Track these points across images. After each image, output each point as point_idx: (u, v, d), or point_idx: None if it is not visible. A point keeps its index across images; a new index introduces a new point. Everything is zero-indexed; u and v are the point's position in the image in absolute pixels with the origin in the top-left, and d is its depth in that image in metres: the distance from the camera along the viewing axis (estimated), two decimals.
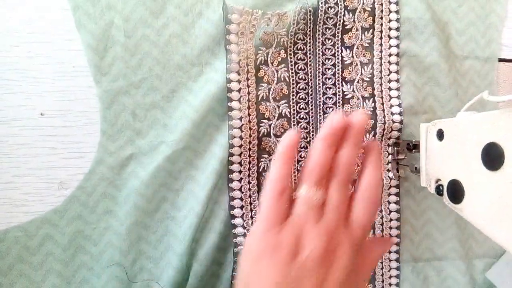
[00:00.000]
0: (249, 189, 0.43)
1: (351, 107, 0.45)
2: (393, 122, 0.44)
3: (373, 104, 0.45)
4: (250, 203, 0.43)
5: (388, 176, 0.45)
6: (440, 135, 0.35)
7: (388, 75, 0.45)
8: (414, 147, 0.41)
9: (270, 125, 0.44)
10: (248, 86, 0.43)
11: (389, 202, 0.45)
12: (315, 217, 0.32)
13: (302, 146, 0.44)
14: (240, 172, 0.43)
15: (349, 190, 0.35)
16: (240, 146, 0.43)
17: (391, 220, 0.46)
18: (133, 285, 0.42)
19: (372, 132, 0.45)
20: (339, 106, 0.45)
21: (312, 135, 0.45)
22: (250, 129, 0.43)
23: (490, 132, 0.28)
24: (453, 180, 0.32)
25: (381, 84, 0.45)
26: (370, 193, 0.34)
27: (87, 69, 0.41)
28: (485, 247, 0.47)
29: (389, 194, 0.45)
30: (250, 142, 0.43)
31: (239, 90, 0.43)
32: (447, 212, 0.46)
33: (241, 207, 0.43)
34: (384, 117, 0.44)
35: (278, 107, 0.44)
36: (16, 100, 0.41)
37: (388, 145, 0.45)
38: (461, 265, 0.47)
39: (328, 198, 0.33)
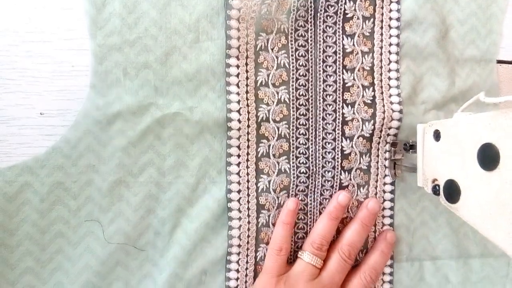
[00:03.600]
0: (247, 174, 0.43)
1: (351, 95, 0.44)
2: (393, 111, 0.44)
3: (372, 93, 0.45)
4: (248, 188, 0.43)
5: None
6: (437, 135, 0.35)
7: (388, 64, 0.45)
8: (411, 147, 0.42)
9: (269, 111, 0.44)
10: (247, 72, 0.43)
11: (384, 200, 0.46)
12: (309, 277, 0.41)
13: (300, 140, 0.44)
14: (238, 156, 0.43)
15: (349, 265, 0.43)
16: (239, 129, 0.43)
17: (384, 216, 0.46)
18: (108, 245, 0.42)
19: (372, 121, 0.44)
20: (339, 93, 0.44)
21: (312, 121, 0.44)
22: (249, 113, 0.43)
23: (486, 133, 0.28)
24: (449, 180, 0.33)
25: (381, 74, 0.45)
26: (370, 274, 0.43)
27: (86, 69, 0.41)
28: (481, 247, 0.47)
29: (384, 191, 0.46)
30: (248, 126, 0.43)
31: (237, 75, 0.42)
32: (442, 213, 0.47)
33: (238, 191, 0.42)
34: (383, 106, 0.44)
35: (277, 92, 0.44)
36: (15, 100, 0.42)
37: (386, 142, 0.45)
38: (455, 265, 0.47)
39: (326, 265, 0.42)
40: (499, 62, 0.48)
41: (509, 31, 0.48)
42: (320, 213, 0.44)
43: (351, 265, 0.42)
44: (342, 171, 0.45)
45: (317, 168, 0.44)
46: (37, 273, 0.41)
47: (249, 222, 0.43)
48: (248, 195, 0.42)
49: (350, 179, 0.45)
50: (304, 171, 0.44)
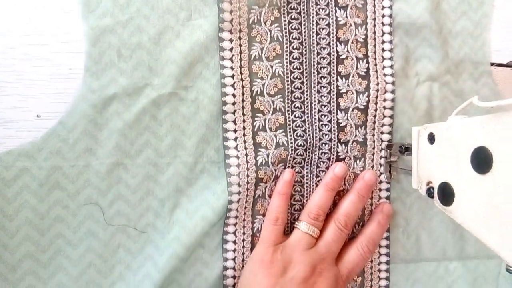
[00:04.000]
0: (245, 148, 0.43)
1: (345, 68, 0.45)
2: (386, 83, 0.45)
3: (366, 65, 0.45)
4: (247, 162, 0.43)
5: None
6: (431, 138, 0.36)
7: (382, 36, 0.45)
8: (406, 149, 0.42)
9: (263, 85, 0.44)
10: (240, 46, 0.43)
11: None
12: (306, 246, 0.41)
13: (296, 113, 0.45)
14: (235, 131, 0.43)
15: (346, 235, 0.43)
16: (233, 103, 0.43)
17: (380, 189, 0.47)
18: (109, 227, 0.42)
19: (366, 93, 0.45)
20: (333, 66, 0.45)
21: (307, 95, 0.45)
22: (243, 87, 0.43)
23: (480, 136, 0.28)
24: (443, 182, 0.33)
25: (374, 45, 0.45)
26: (368, 244, 0.43)
27: (83, 72, 0.41)
28: (476, 248, 0.48)
29: (380, 165, 0.46)
30: (243, 100, 0.43)
31: (231, 49, 0.42)
32: (437, 214, 0.47)
33: (238, 166, 0.42)
34: (377, 78, 0.45)
35: (272, 66, 0.44)
36: (12, 102, 0.41)
37: (383, 116, 0.45)
38: (452, 266, 0.48)
39: (322, 235, 0.42)
40: (493, 65, 0.48)
41: (502, 33, 0.49)
42: (317, 185, 0.45)
43: (347, 235, 0.43)
44: (339, 144, 0.45)
45: (314, 140, 0.44)
46: (37, 258, 0.40)
47: (247, 195, 0.43)
48: (248, 169, 0.42)
49: (347, 152, 0.45)
50: (302, 144, 0.44)
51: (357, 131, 0.45)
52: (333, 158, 0.45)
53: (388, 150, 0.45)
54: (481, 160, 0.28)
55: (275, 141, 0.44)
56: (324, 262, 0.40)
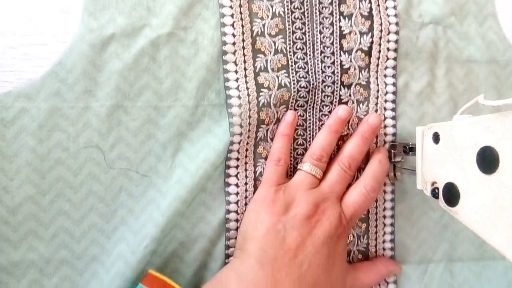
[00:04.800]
0: (247, 88, 0.42)
1: (347, 7, 0.44)
2: (389, 23, 0.44)
3: (369, 5, 0.44)
4: (249, 102, 0.42)
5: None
6: (436, 138, 0.35)
7: None
8: (410, 150, 0.42)
9: (264, 25, 0.43)
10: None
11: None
12: (309, 186, 0.41)
13: (298, 54, 0.44)
14: (236, 72, 0.42)
15: (350, 176, 0.42)
16: (233, 44, 0.42)
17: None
18: (111, 171, 0.41)
19: (370, 34, 0.44)
20: (335, 5, 0.44)
21: (309, 36, 0.44)
22: (243, 26, 0.42)
23: (485, 136, 0.28)
24: (448, 183, 0.33)
25: None
26: (371, 183, 0.42)
27: (81, 12, 0.40)
28: (481, 250, 0.48)
29: (385, 108, 0.46)
30: (243, 40, 0.42)
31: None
32: (441, 216, 0.47)
33: (239, 106, 0.42)
34: (380, 18, 0.44)
35: (272, 6, 0.43)
36: None
37: (387, 58, 0.45)
38: (456, 268, 0.48)
39: (326, 176, 0.42)
40: None
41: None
42: (320, 129, 0.44)
43: (351, 177, 0.43)
44: (342, 87, 0.44)
45: (317, 82, 0.43)
46: (37, 201, 0.40)
47: (249, 137, 0.43)
48: (250, 109, 0.42)
49: (350, 95, 0.45)
50: (305, 85, 0.43)
51: (361, 74, 0.44)
52: (335, 102, 0.44)
53: (392, 151, 0.45)
54: (487, 160, 0.28)
55: (277, 81, 0.43)
56: (328, 201, 0.40)
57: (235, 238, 0.43)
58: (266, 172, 0.43)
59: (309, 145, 0.45)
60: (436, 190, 0.35)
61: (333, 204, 0.40)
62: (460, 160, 0.31)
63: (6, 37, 0.40)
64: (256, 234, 0.39)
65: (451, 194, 0.32)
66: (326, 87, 0.44)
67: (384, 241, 0.46)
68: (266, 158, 0.44)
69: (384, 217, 0.46)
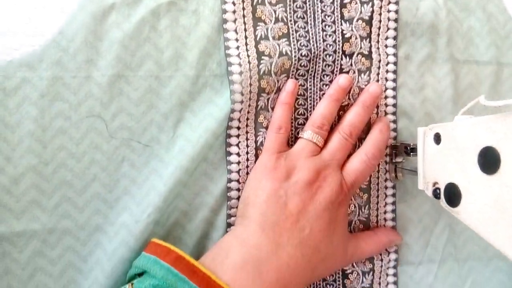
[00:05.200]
0: (248, 56, 0.42)
1: None
2: None
3: None
4: (250, 69, 0.42)
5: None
6: (437, 139, 0.35)
7: None
8: (411, 150, 0.42)
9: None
10: None
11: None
12: (310, 154, 0.41)
13: (299, 23, 0.44)
14: (236, 40, 0.42)
15: (351, 144, 0.42)
16: (234, 12, 0.42)
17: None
18: (113, 141, 0.41)
19: (370, 3, 0.44)
20: None
21: (309, 4, 0.44)
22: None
23: (486, 136, 0.28)
24: (450, 183, 0.33)
25: None
26: (372, 151, 0.42)
27: None
28: (484, 249, 0.48)
29: (386, 79, 0.46)
30: (243, 9, 0.42)
31: None
32: (442, 215, 0.47)
33: (240, 73, 0.41)
34: None
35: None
36: None
37: (387, 28, 0.45)
38: (458, 268, 0.48)
39: (327, 144, 0.43)
40: None
41: None
42: (320, 99, 0.44)
43: (352, 145, 0.43)
44: (343, 56, 0.44)
45: (318, 51, 0.43)
46: (40, 170, 0.40)
47: (249, 105, 0.42)
48: (250, 77, 0.42)
49: (351, 65, 0.44)
50: (306, 54, 0.43)
51: (362, 43, 0.44)
52: (337, 71, 0.44)
53: (393, 151, 0.45)
54: (488, 161, 0.28)
55: (278, 49, 0.43)
56: (329, 168, 0.40)
57: (237, 207, 0.43)
58: (267, 141, 0.43)
59: (310, 114, 0.45)
60: (438, 191, 0.35)
61: (334, 171, 0.41)
62: (462, 160, 0.31)
63: (6, 37, 0.40)
64: (258, 200, 0.39)
65: (452, 195, 0.33)
66: (327, 56, 0.44)
67: (385, 212, 0.47)
68: (267, 128, 0.44)
69: (386, 187, 0.47)
